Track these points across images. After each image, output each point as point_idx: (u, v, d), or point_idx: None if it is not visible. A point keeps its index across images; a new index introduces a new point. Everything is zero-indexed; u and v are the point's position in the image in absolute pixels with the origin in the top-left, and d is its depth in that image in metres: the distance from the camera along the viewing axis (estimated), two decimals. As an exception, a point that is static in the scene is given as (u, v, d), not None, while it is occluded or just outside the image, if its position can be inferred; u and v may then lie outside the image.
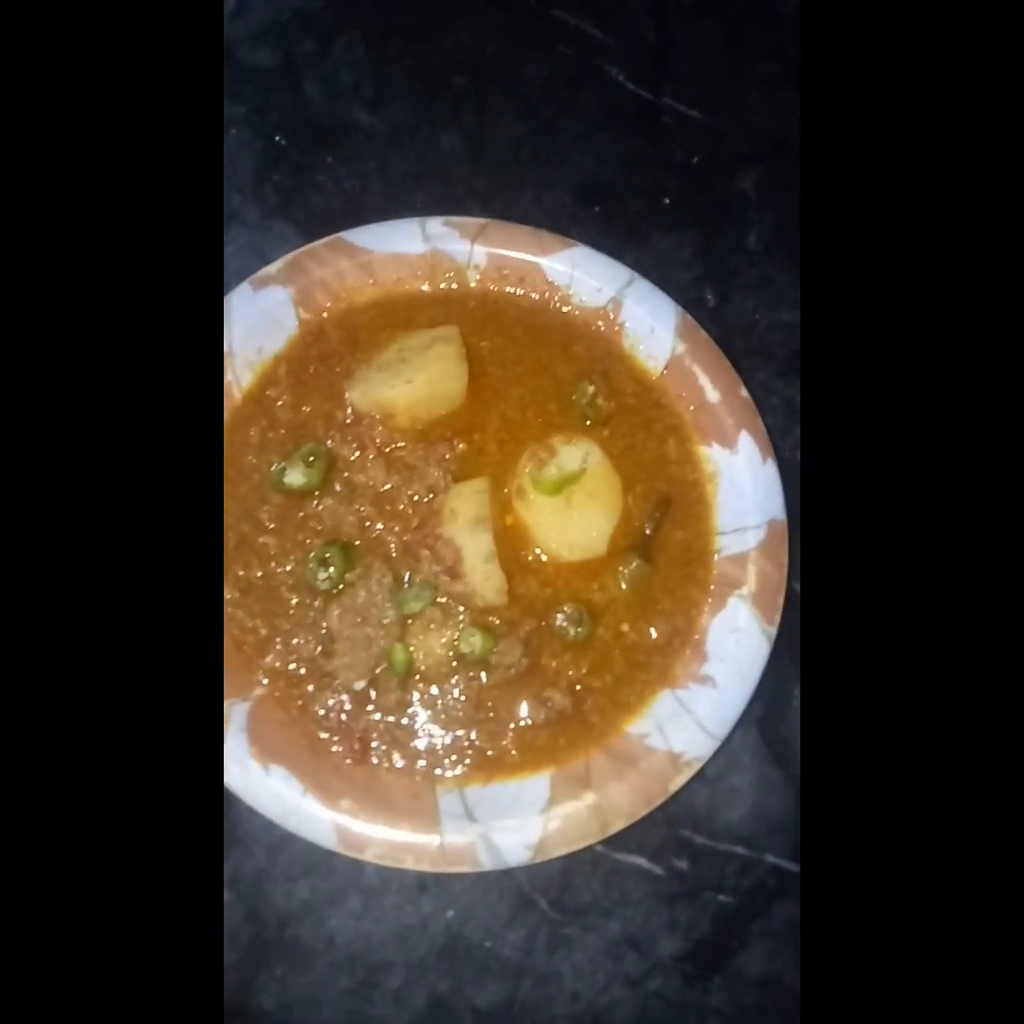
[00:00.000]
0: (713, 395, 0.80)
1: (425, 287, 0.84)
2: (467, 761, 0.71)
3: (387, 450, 0.78)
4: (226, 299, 0.79)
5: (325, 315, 0.82)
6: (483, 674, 0.72)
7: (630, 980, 0.72)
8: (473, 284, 0.84)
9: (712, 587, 0.76)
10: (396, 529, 0.76)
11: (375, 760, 0.70)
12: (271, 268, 0.81)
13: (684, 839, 0.76)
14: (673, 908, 0.74)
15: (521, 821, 0.68)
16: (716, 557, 0.77)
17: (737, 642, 0.73)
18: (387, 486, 0.77)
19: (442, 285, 0.84)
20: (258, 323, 0.79)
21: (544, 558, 0.76)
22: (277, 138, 0.96)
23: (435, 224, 0.84)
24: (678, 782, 0.69)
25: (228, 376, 0.78)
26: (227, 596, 0.73)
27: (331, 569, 0.73)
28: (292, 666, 0.72)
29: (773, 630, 0.74)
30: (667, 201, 0.97)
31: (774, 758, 0.78)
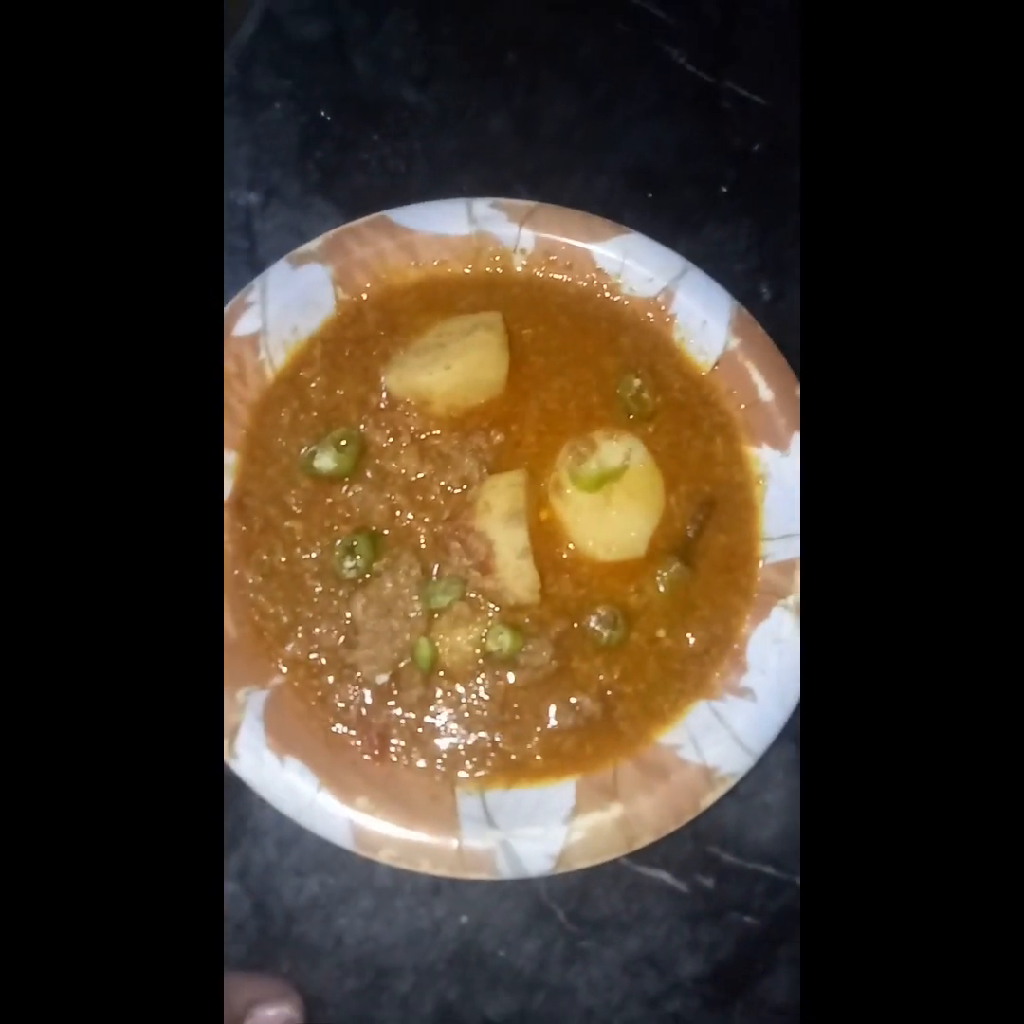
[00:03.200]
0: (766, 394, 0.76)
1: (468, 270, 0.81)
2: (489, 764, 0.68)
3: (421, 438, 0.75)
4: (263, 276, 0.76)
5: (364, 296, 0.80)
6: (510, 674, 0.69)
7: (647, 1000, 0.69)
8: (519, 269, 0.81)
9: (755, 595, 0.73)
10: (427, 520, 0.73)
11: (394, 758, 0.68)
12: (311, 245, 0.78)
13: (711, 856, 0.72)
14: (696, 927, 0.71)
15: (544, 830, 0.65)
16: (761, 564, 0.74)
17: (779, 654, 0.70)
18: (419, 475, 0.74)
19: (486, 269, 0.81)
20: (294, 302, 0.77)
21: (580, 557, 0.73)
22: (322, 113, 0.94)
23: (482, 206, 0.81)
24: (710, 798, 0.66)
25: (261, 355, 0.76)
26: (249, 580, 0.71)
27: (358, 558, 0.71)
28: (313, 656, 0.70)
29: (817, 644, 0.70)
30: (724, 190, 0.93)
31: (811, 778, 0.74)
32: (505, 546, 0.69)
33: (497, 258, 0.81)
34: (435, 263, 0.81)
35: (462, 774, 0.68)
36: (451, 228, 0.80)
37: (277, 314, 0.77)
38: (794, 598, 0.71)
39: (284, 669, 0.70)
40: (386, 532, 0.73)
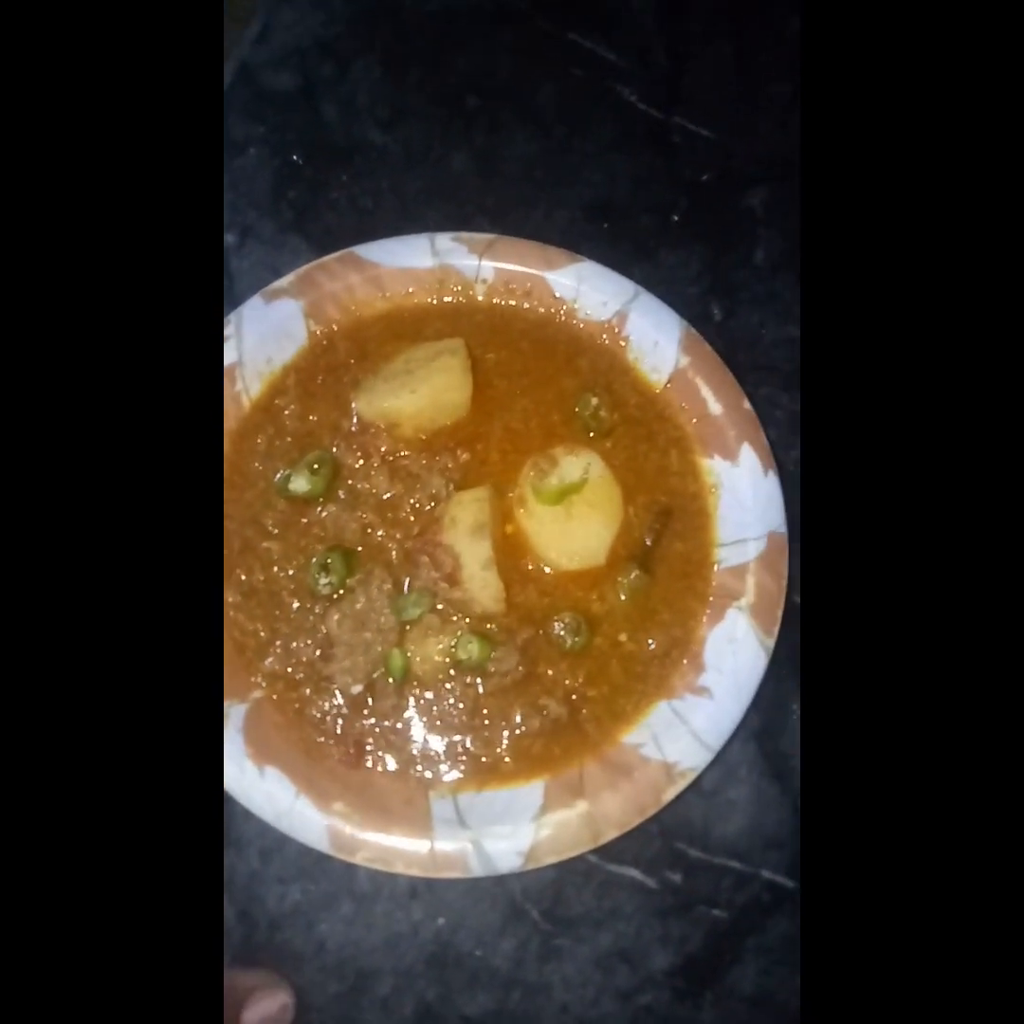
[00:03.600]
0: (716, 408, 0.81)
1: (433, 300, 0.86)
2: (462, 767, 0.71)
3: (391, 459, 0.79)
4: (237, 311, 0.81)
5: (335, 327, 0.84)
6: (479, 681, 0.73)
7: (620, 994, 0.71)
8: (481, 298, 0.86)
9: (711, 599, 0.76)
10: (398, 536, 0.77)
11: (370, 764, 0.70)
12: (283, 281, 0.83)
13: (678, 852, 0.75)
14: (666, 922, 0.73)
15: (513, 828, 0.68)
16: (716, 569, 0.77)
17: (734, 654, 0.73)
18: (390, 494, 0.78)
19: (450, 299, 0.86)
20: (268, 335, 0.81)
21: (544, 567, 0.77)
22: (294, 157, 0.99)
23: (444, 239, 0.85)
24: (671, 793, 0.69)
25: (238, 386, 0.80)
26: (229, 599, 0.75)
27: (332, 575, 0.74)
28: (291, 669, 0.73)
29: (771, 642, 0.73)
30: (676, 218, 0.98)
31: (771, 772, 0.77)
32: (471, 558, 0.73)
33: (460, 288, 0.85)
34: (402, 294, 0.85)
35: (435, 778, 0.71)
36: (416, 261, 0.85)
37: (252, 346, 0.81)
38: (746, 599, 0.74)
39: (263, 683, 0.73)
40: (359, 549, 0.77)
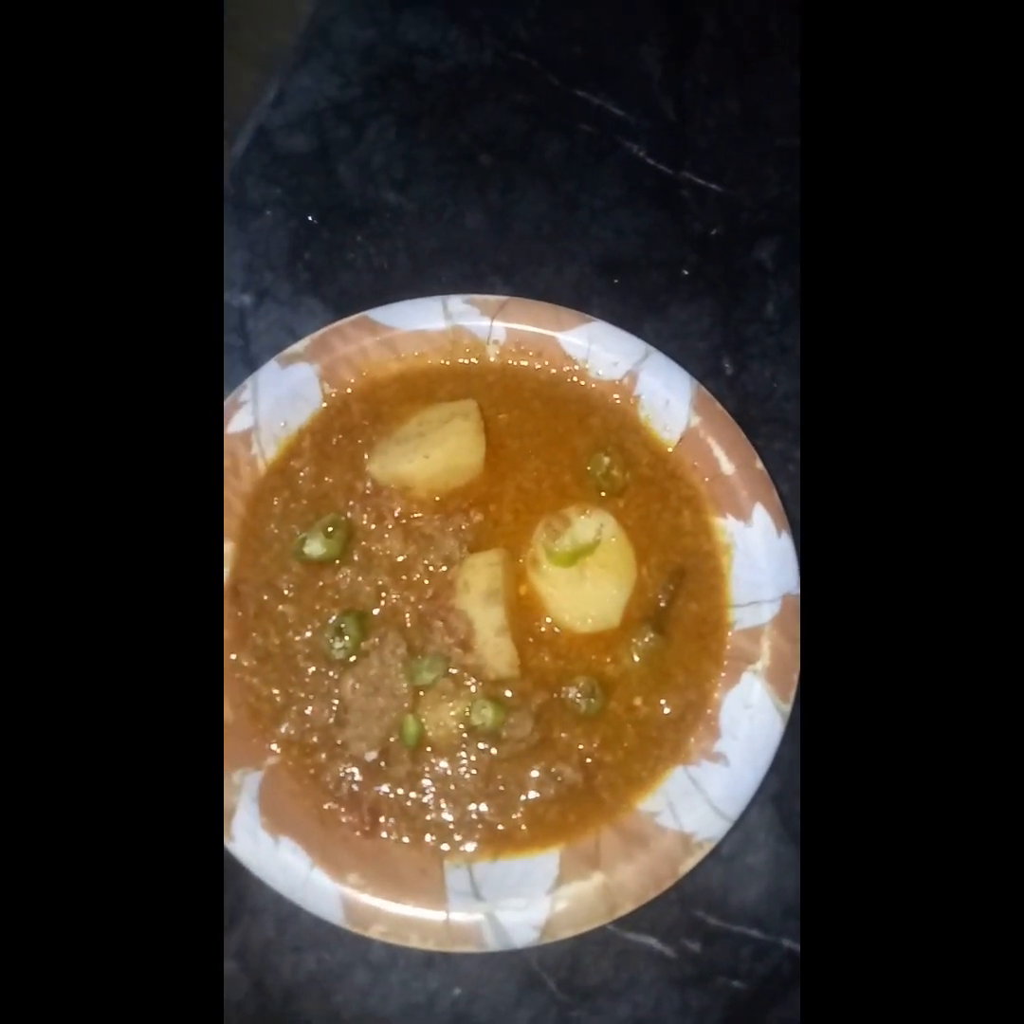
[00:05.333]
0: (728, 467, 0.81)
1: (446, 362, 0.87)
2: (476, 835, 0.71)
3: (405, 521, 0.80)
4: (253, 376, 0.82)
5: (349, 390, 0.85)
6: (493, 747, 0.73)
7: (640, 1069, 0.70)
8: (493, 359, 0.87)
9: (726, 662, 0.76)
10: (411, 599, 0.77)
11: (384, 833, 0.70)
12: (298, 346, 0.84)
13: (697, 920, 0.74)
14: (685, 992, 0.72)
15: (528, 900, 0.67)
16: (730, 631, 0.77)
17: (750, 719, 0.73)
18: (403, 556, 0.78)
19: (462, 360, 0.87)
20: (284, 399, 0.83)
21: (557, 629, 0.77)
22: (310, 218, 1.01)
23: (456, 302, 0.86)
24: (688, 864, 0.68)
25: (254, 450, 0.81)
26: (244, 663, 0.75)
27: (347, 638, 0.75)
28: (306, 735, 0.73)
29: (787, 707, 0.73)
30: (686, 272, 0.99)
31: (790, 836, 0.76)
32: (484, 624, 0.73)
33: (472, 349, 0.86)
34: (415, 356, 0.86)
35: (449, 847, 0.70)
36: (428, 324, 0.86)
37: (268, 411, 0.82)
38: (762, 663, 0.74)
39: (278, 749, 0.73)
40: (375, 612, 0.77)
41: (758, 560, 0.77)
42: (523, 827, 0.71)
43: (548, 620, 0.77)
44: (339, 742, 0.73)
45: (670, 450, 0.83)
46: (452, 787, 0.72)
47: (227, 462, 0.80)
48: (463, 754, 0.73)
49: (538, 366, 0.87)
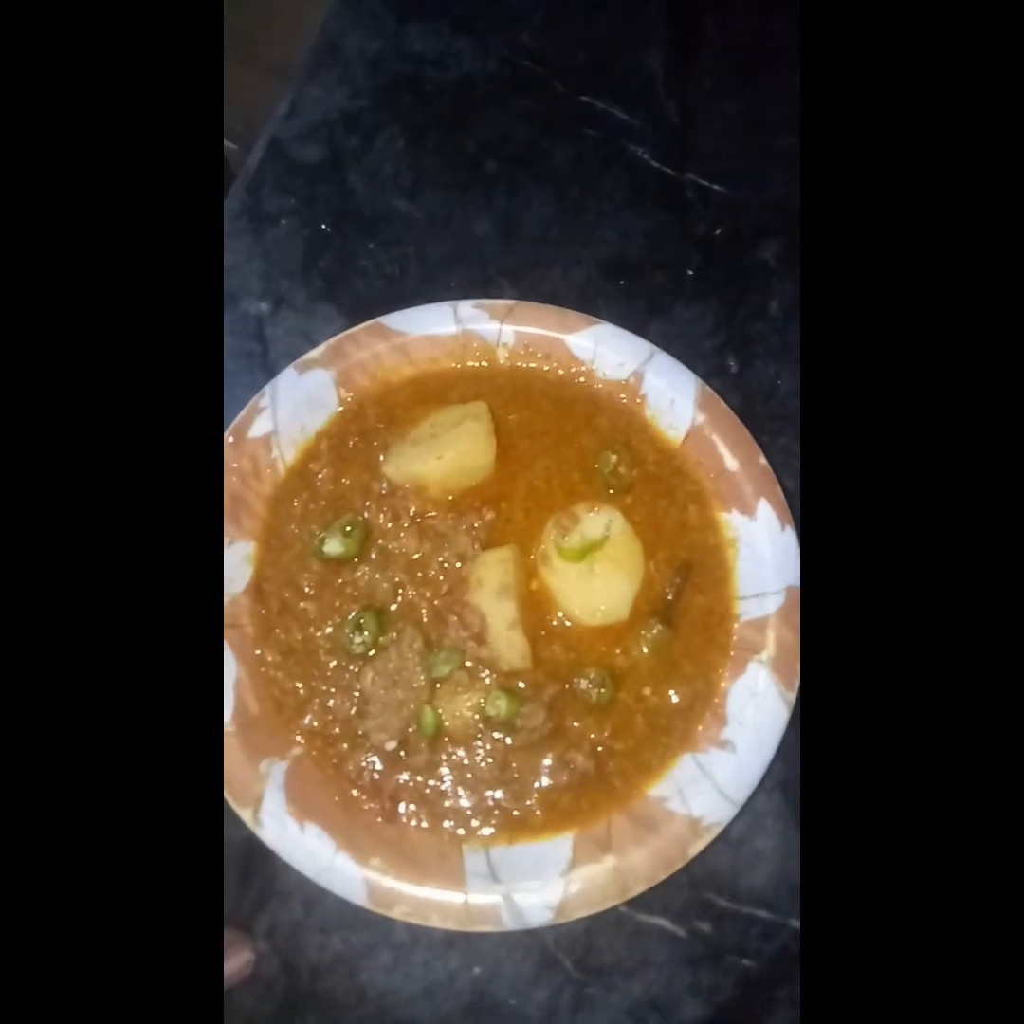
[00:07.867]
0: (732, 464, 0.83)
1: (457, 365, 0.89)
2: (493, 822, 0.74)
3: (419, 520, 0.83)
4: (272, 383, 0.85)
5: (364, 394, 0.88)
6: (508, 736, 0.75)
7: (654, 1044, 0.73)
8: (502, 361, 0.90)
9: (732, 653, 0.78)
10: (427, 595, 0.80)
11: (404, 819, 0.73)
12: (314, 352, 0.87)
13: (707, 901, 0.77)
14: (696, 971, 0.75)
15: (543, 882, 0.70)
16: (736, 622, 0.79)
17: (756, 707, 0.75)
18: (419, 554, 0.81)
19: (473, 363, 0.90)
20: (302, 404, 0.86)
21: (568, 623, 0.80)
22: (323, 226, 1.04)
23: (466, 307, 0.89)
24: (697, 847, 0.71)
25: (274, 453, 0.84)
26: (268, 658, 0.78)
27: (365, 634, 0.78)
28: (328, 727, 0.76)
29: (792, 695, 0.75)
30: (690, 273, 1.01)
31: (796, 821, 0.78)
32: (497, 618, 0.76)
33: (482, 352, 0.89)
34: (426, 360, 0.89)
35: (467, 832, 0.73)
36: (439, 329, 0.89)
37: (287, 416, 0.85)
38: (767, 653, 0.76)
39: (302, 740, 0.76)
40: (393, 608, 0.80)
41: (762, 554, 0.80)
42: (537, 813, 0.74)
43: (559, 614, 0.80)
44: (360, 733, 0.76)
45: (676, 448, 0.86)
46: (469, 775, 0.75)
47: (248, 466, 0.83)
48: (479, 743, 0.75)
49: (546, 368, 0.89)
